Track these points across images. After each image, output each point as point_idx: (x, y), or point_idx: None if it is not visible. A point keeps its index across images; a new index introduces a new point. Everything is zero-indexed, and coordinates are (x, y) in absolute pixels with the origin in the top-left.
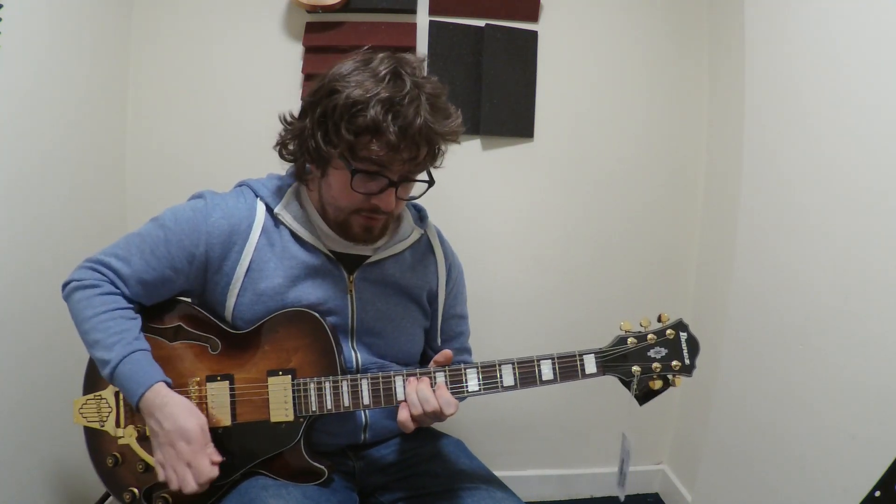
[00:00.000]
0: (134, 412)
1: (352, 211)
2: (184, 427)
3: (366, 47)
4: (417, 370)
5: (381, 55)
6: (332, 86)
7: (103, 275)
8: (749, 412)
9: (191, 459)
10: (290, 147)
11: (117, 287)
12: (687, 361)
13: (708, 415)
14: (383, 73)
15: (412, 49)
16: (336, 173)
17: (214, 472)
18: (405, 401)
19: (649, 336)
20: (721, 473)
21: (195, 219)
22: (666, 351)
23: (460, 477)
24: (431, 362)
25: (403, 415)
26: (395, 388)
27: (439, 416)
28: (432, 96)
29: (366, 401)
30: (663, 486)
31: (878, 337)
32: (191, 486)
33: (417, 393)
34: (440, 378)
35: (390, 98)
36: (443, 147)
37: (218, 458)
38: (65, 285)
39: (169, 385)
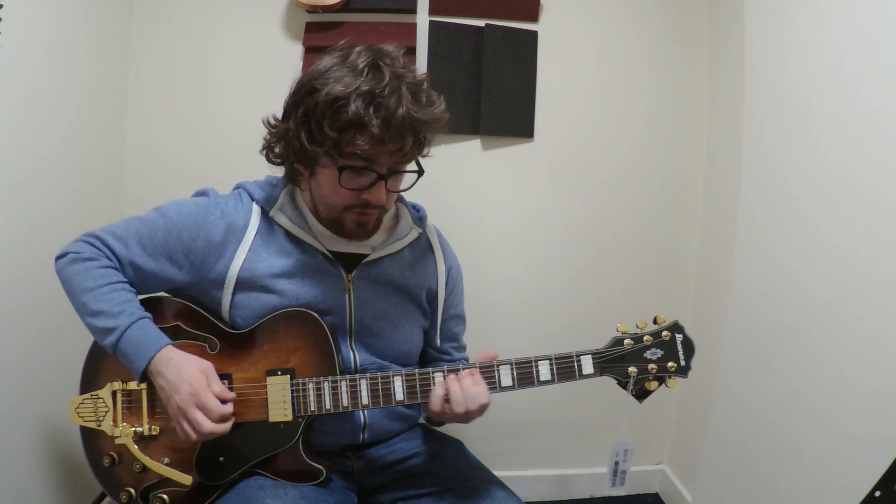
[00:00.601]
0: (133, 406)
1: (343, 208)
2: (184, 372)
3: (342, 41)
4: (416, 370)
5: (358, 48)
6: (312, 84)
7: (100, 250)
8: (749, 412)
9: (196, 400)
10: (277, 150)
11: (113, 263)
12: (683, 363)
13: (708, 415)
14: (361, 66)
15: (412, 49)
16: (324, 172)
17: (225, 408)
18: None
19: (645, 337)
20: (721, 473)
21: (197, 214)
22: (662, 352)
23: (460, 477)
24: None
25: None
26: (393, 388)
27: (473, 412)
28: (413, 85)
29: (364, 401)
30: (663, 486)
31: (878, 337)
32: (204, 427)
33: (463, 391)
34: (439, 379)
35: (371, 91)
36: (429, 135)
37: (231, 394)
38: (60, 257)
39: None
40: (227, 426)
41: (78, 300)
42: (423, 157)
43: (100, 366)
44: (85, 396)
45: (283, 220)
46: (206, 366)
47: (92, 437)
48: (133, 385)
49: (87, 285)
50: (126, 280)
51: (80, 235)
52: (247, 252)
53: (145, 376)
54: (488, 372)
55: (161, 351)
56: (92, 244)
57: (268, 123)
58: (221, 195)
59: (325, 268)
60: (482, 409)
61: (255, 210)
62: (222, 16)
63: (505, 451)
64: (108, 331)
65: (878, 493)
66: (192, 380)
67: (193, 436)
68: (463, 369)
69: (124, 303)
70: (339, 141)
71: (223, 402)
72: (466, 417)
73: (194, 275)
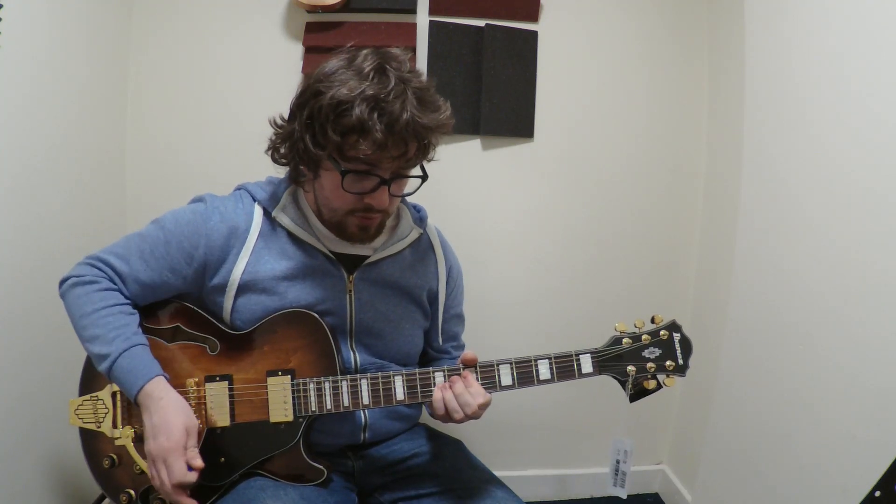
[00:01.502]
0: (132, 408)
1: (346, 212)
2: (169, 421)
3: (349, 44)
4: (417, 370)
5: (364, 51)
6: (317, 87)
7: (102, 272)
8: (749, 412)
9: (166, 457)
10: (282, 150)
11: (115, 284)
12: (680, 361)
13: (708, 415)
14: (367, 69)
15: (412, 49)
16: (327, 175)
17: (189, 476)
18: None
19: (644, 337)
20: (721, 473)
21: (195, 221)
22: (660, 351)
23: (460, 477)
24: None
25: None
26: (394, 387)
27: (476, 413)
28: (419, 90)
29: (365, 401)
30: (663, 486)
31: (878, 337)
32: (164, 484)
33: (457, 398)
34: (440, 378)
35: (375, 95)
36: (433, 141)
37: (199, 463)
38: (63, 281)
39: (167, 380)
40: (183, 501)
41: (78, 325)
42: (429, 161)
43: None
44: (84, 398)
45: (285, 220)
46: (192, 424)
47: (91, 439)
48: None
49: (85, 309)
50: (128, 301)
51: (83, 258)
52: (249, 255)
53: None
54: (488, 371)
55: (150, 382)
56: (94, 266)
57: (274, 124)
58: (219, 198)
59: (327, 269)
60: (482, 408)
61: (257, 211)
62: (222, 16)
63: (505, 451)
64: (102, 357)
65: (878, 493)
66: (172, 433)
67: (152, 481)
68: (464, 368)
69: (120, 328)
70: (342, 145)
71: (191, 468)
72: (469, 418)
73: (198, 282)
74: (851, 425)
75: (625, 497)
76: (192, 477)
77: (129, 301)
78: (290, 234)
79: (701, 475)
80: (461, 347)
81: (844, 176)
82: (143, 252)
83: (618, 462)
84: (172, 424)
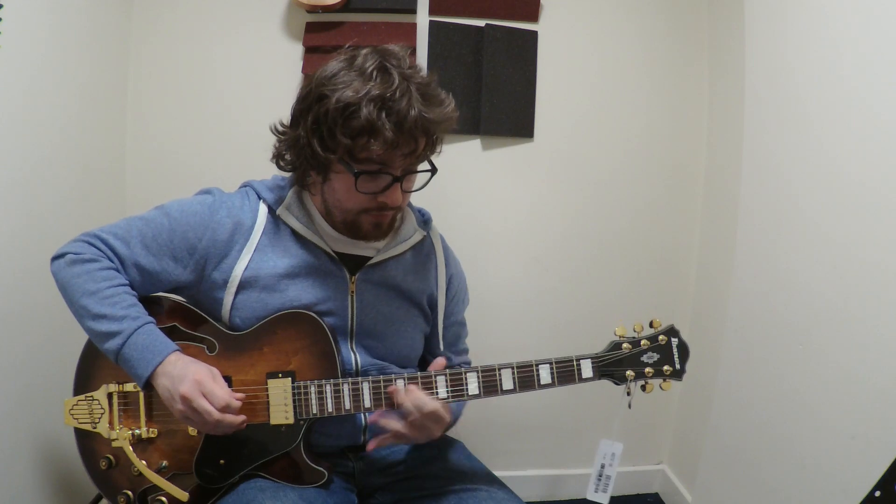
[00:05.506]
0: (129, 409)
1: (360, 211)
2: (189, 368)
3: (346, 45)
4: (419, 373)
5: (364, 51)
6: (321, 91)
7: (101, 251)
8: (749, 412)
9: (202, 388)
10: (287, 157)
11: (114, 264)
12: (678, 366)
13: (708, 415)
14: (369, 69)
15: (412, 49)
16: (338, 177)
17: (231, 400)
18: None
19: (643, 341)
20: (721, 473)
21: (202, 212)
22: (658, 356)
23: (461, 478)
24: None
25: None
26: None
27: (431, 425)
28: (422, 86)
29: (367, 403)
30: (663, 486)
31: (878, 337)
32: (213, 414)
33: (408, 394)
34: (441, 380)
35: (381, 95)
36: (440, 135)
37: (238, 395)
38: (57, 257)
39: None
40: (235, 419)
41: (77, 303)
42: (436, 154)
43: (93, 367)
44: (79, 398)
45: (290, 219)
46: (214, 369)
47: (87, 440)
48: (130, 387)
49: (88, 288)
50: (128, 283)
51: (79, 235)
52: (252, 252)
53: (148, 383)
54: (490, 375)
55: (169, 356)
56: (92, 244)
57: (276, 130)
58: (227, 193)
59: (330, 269)
60: (432, 416)
61: (262, 209)
62: (222, 15)
63: (505, 451)
64: (111, 335)
65: (878, 493)
66: (197, 371)
67: (204, 426)
68: (466, 373)
69: (129, 307)
70: (352, 147)
71: None
72: (421, 429)
73: (198, 274)
74: (851, 425)
75: (606, 503)
76: (238, 403)
77: (129, 283)
78: (294, 233)
79: (701, 475)
80: (463, 352)
81: (844, 176)
82: (144, 236)
83: (602, 466)
84: (193, 369)
